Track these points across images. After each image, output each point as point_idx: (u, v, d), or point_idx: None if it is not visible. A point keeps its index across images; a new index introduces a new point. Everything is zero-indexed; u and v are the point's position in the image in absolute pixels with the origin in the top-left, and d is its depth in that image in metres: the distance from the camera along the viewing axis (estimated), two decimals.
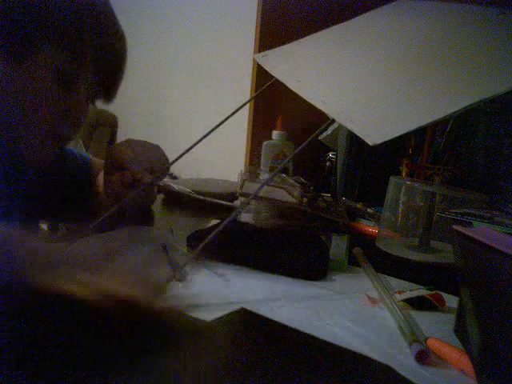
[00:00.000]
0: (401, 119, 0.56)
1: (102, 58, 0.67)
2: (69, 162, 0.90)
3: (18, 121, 0.64)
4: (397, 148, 1.02)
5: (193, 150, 0.72)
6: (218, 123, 0.73)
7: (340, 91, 0.65)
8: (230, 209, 0.91)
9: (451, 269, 0.50)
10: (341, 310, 0.52)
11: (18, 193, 0.78)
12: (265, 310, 0.51)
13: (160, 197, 1.02)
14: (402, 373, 0.40)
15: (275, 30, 1.20)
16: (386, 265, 0.68)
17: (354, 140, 1.03)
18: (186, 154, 0.72)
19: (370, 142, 0.52)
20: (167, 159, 0.78)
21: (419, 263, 0.71)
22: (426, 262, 0.72)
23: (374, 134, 0.53)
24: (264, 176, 1.03)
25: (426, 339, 0.45)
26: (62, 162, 0.89)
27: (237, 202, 0.92)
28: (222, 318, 0.49)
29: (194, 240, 0.68)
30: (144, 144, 0.78)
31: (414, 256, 0.73)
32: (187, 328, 0.48)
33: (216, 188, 1.03)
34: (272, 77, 0.72)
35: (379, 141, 0.51)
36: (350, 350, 0.44)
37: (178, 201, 1.00)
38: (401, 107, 0.59)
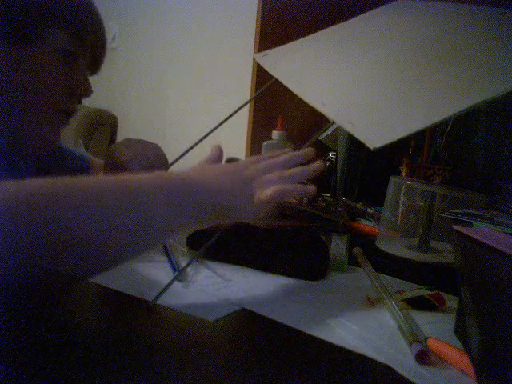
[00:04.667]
0: (401, 121, 0.56)
1: (94, 37, 0.73)
2: (68, 162, 0.90)
3: (27, 101, 0.69)
4: (397, 148, 1.02)
5: (193, 150, 0.72)
6: (218, 123, 0.73)
7: (340, 92, 0.65)
8: None
9: (451, 269, 0.50)
10: (341, 310, 0.52)
11: None
12: (265, 311, 0.51)
13: None
14: (402, 373, 0.40)
15: (275, 30, 1.20)
16: (386, 265, 0.68)
17: (354, 140, 1.03)
18: (186, 154, 0.72)
19: (370, 145, 0.52)
20: (166, 158, 0.78)
21: (419, 263, 0.71)
22: (426, 261, 0.72)
23: (374, 137, 0.53)
24: None
25: (426, 339, 0.45)
26: (60, 160, 0.89)
27: None
28: (223, 318, 0.49)
29: (194, 240, 0.68)
30: (143, 143, 0.78)
31: (414, 256, 0.73)
32: (190, 327, 0.48)
33: None
34: (272, 77, 0.72)
35: (379, 144, 0.51)
36: (350, 350, 0.44)
37: None
38: (401, 109, 0.58)
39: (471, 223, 0.66)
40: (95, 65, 0.78)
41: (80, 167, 0.93)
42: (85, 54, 0.73)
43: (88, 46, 0.73)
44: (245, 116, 1.25)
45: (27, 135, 0.71)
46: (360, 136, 0.54)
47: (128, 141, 0.78)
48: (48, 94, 0.69)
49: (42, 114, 0.70)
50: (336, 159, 1.10)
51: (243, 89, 1.44)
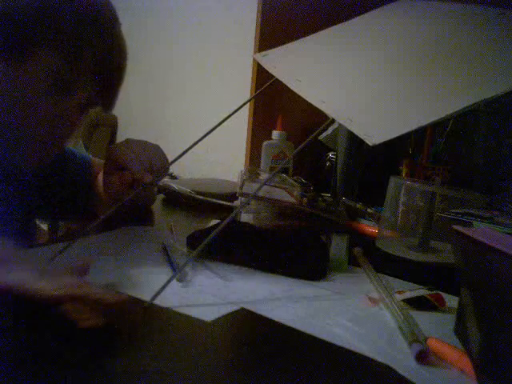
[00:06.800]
0: (400, 119, 0.56)
1: (101, 67, 0.65)
2: (69, 162, 0.90)
3: (15, 121, 0.64)
4: (397, 148, 1.02)
5: (193, 149, 0.72)
6: (217, 123, 0.73)
7: (340, 91, 0.65)
8: (230, 209, 0.91)
9: (451, 269, 0.50)
10: (341, 310, 0.52)
11: (17, 193, 0.78)
12: (265, 310, 0.50)
13: (160, 197, 1.02)
14: (402, 373, 0.40)
15: (275, 29, 1.20)
16: (386, 265, 0.68)
17: (354, 140, 1.03)
18: (186, 154, 0.72)
19: (370, 142, 0.52)
20: (167, 159, 0.78)
21: (419, 263, 0.71)
22: (426, 261, 0.72)
23: (374, 134, 0.53)
24: (264, 176, 1.03)
25: (426, 339, 0.45)
26: (62, 162, 0.89)
27: (237, 202, 0.92)
28: (221, 318, 0.49)
29: (194, 240, 0.68)
30: (143, 144, 0.77)
31: (414, 256, 0.73)
32: (187, 328, 0.48)
33: (216, 188, 1.03)
34: (272, 77, 0.72)
35: (378, 141, 0.51)
36: (350, 350, 0.44)
37: (178, 201, 1.00)
38: (400, 107, 0.59)
39: (471, 223, 0.66)
40: (102, 100, 0.68)
41: (81, 168, 0.93)
42: (84, 86, 0.64)
43: (88, 75, 0.63)
44: (245, 116, 1.24)
45: (18, 151, 0.67)
46: (359, 133, 0.54)
47: (128, 141, 0.78)
48: (34, 116, 0.63)
49: (20, 140, 0.64)
50: (336, 159, 1.10)
51: (243, 89, 1.44)
